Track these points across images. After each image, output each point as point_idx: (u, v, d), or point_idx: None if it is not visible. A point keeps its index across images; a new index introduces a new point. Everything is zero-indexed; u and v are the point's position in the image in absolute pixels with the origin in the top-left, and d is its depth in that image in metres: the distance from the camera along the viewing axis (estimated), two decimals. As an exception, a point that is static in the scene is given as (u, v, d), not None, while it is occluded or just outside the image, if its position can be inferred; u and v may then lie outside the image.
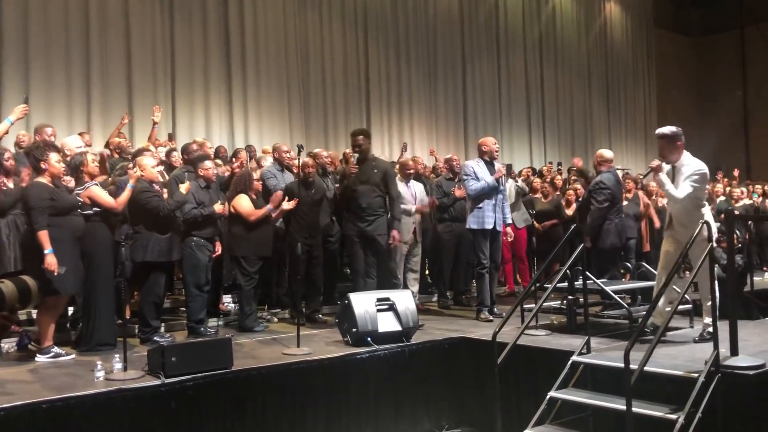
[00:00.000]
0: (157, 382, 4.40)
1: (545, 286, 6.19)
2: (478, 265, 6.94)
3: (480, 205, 6.84)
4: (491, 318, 6.77)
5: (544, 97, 17.41)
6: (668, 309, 5.06)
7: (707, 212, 5.21)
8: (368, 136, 7.13)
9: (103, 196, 5.58)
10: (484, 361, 5.30)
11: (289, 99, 12.77)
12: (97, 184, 5.64)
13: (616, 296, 5.88)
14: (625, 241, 8.44)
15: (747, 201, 11.33)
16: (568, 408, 4.76)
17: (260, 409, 4.77)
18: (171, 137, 10.19)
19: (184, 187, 6.06)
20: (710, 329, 4.78)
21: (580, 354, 4.96)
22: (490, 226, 6.84)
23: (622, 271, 7.70)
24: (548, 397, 4.73)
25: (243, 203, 6.44)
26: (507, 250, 8.80)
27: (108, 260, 5.64)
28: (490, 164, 6.95)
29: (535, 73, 17.25)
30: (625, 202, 8.86)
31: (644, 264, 7.27)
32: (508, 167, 8.73)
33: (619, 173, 11.28)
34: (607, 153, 7.08)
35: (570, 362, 4.88)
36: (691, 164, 5.29)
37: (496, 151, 7.10)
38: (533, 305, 5.68)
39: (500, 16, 16.55)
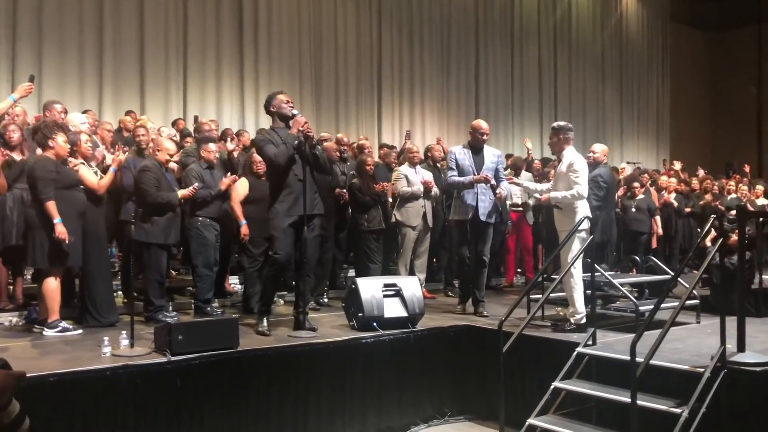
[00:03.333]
0: (164, 359, 4.42)
1: (552, 277, 6.19)
2: (459, 256, 6.58)
3: (460, 193, 6.43)
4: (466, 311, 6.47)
5: (557, 89, 17.31)
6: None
7: (582, 204, 5.54)
8: None
9: (89, 177, 5.62)
10: (489, 349, 5.30)
11: (300, 82, 12.75)
12: (83, 164, 5.66)
13: (623, 289, 5.86)
14: (627, 234, 8.45)
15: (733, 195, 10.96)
16: (572, 399, 4.76)
17: (265, 390, 4.79)
18: (196, 119, 10.16)
19: (186, 191, 6.01)
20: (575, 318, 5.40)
21: (586, 345, 4.95)
22: (469, 216, 6.34)
23: (630, 264, 7.69)
24: (552, 387, 4.73)
25: (239, 187, 6.50)
26: (511, 241, 8.79)
27: (101, 238, 5.71)
28: (476, 152, 6.47)
29: (549, 64, 17.15)
30: (640, 196, 8.84)
31: (653, 258, 7.23)
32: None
33: (631, 167, 11.25)
34: (605, 147, 7.23)
35: (575, 353, 4.89)
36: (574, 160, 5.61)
37: (483, 138, 6.48)
38: (539, 296, 5.68)
39: (516, 5, 16.45)
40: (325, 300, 7.10)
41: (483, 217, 6.36)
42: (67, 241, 5.14)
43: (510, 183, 6.69)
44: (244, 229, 6.42)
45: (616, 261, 7.93)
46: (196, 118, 10.40)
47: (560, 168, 5.69)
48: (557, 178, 5.72)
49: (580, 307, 5.43)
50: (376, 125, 14.01)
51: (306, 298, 5.53)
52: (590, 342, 4.99)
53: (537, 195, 5.95)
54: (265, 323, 5.36)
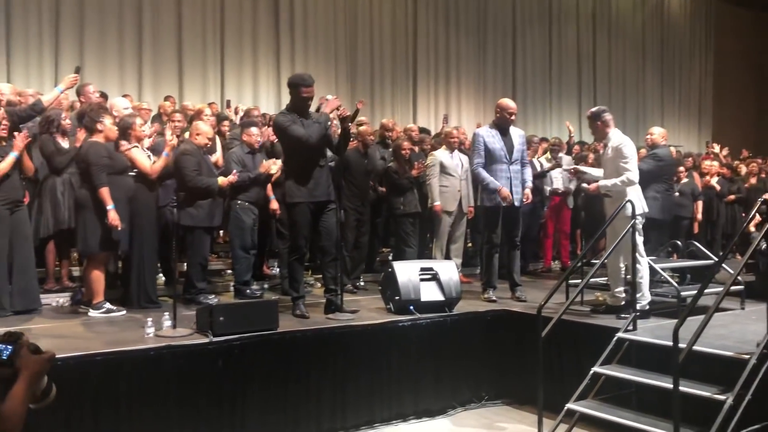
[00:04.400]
0: (205, 340, 4.51)
1: (592, 261, 6.12)
2: (489, 243, 6.41)
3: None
4: (494, 299, 6.27)
5: (596, 70, 16.96)
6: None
7: (634, 191, 5.31)
8: None
9: (142, 160, 5.70)
10: (527, 334, 5.28)
11: (336, 66, 12.77)
12: (137, 147, 5.75)
13: (664, 274, 5.76)
14: (672, 218, 8.27)
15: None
16: (611, 384, 4.72)
17: (304, 371, 4.86)
18: (229, 104, 10.29)
19: (226, 179, 6.05)
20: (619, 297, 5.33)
21: (626, 331, 4.90)
22: (503, 203, 6.21)
23: (669, 249, 7.56)
24: (592, 372, 4.70)
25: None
26: (550, 225, 8.70)
27: (151, 221, 5.79)
28: (504, 133, 6.29)
29: (588, 44, 16.80)
30: (684, 180, 8.66)
31: (695, 243, 7.09)
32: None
33: (673, 150, 11.02)
34: (663, 130, 7.05)
35: (615, 338, 4.84)
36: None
37: (512, 119, 6.29)
38: (578, 281, 5.62)
39: (553, -16, 16.14)
40: (362, 283, 7.14)
41: (517, 203, 6.25)
42: (119, 228, 5.27)
43: (574, 173, 6.37)
44: (274, 204, 6.43)
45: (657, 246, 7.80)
46: (228, 102, 10.52)
47: (606, 153, 5.50)
48: (605, 164, 5.56)
49: (646, 293, 5.33)
50: (411, 109, 13.95)
51: (337, 280, 5.57)
52: (630, 327, 4.93)
53: (585, 184, 5.73)
54: (302, 306, 5.42)
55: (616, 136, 5.44)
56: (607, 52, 17.19)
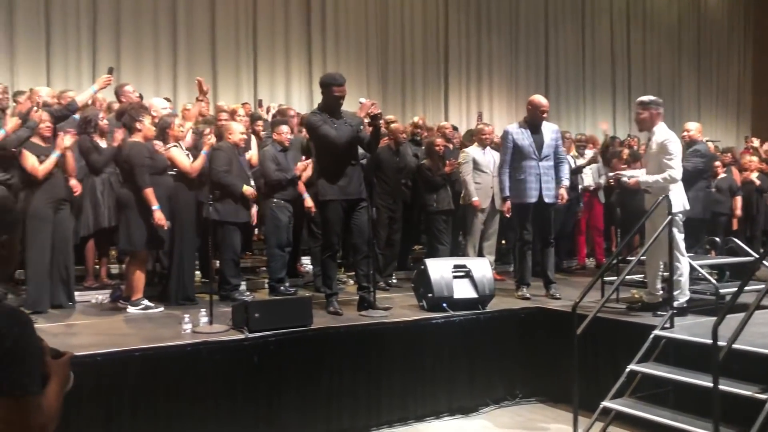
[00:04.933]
0: (241, 336, 4.57)
1: (628, 258, 6.04)
2: (520, 241, 6.36)
3: (520, 176, 6.17)
4: (528, 296, 6.21)
5: (631, 65, 16.66)
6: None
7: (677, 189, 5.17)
8: None
9: (181, 159, 5.78)
10: (562, 331, 5.23)
11: (367, 65, 12.80)
12: (176, 146, 5.84)
13: (702, 271, 5.66)
14: (711, 215, 8.11)
15: None
16: (648, 382, 4.66)
17: (337, 368, 4.89)
18: (261, 104, 10.41)
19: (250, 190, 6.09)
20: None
21: (663, 328, 4.82)
22: (533, 200, 6.14)
23: (707, 246, 7.42)
24: (628, 370, 4.64)
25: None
26: (583, 221, 8.61)
27: (191, 220, 5.87)
28: (535, 130, 6.21)
29: (622, 38, 16.52)
30: (722, 175, 8.49)
31: (735, 240, 6.95)
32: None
33: (711, 145, 10.80)
34: (699, 125, 6.89)
35: (652, 336, 4.76)
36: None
37: (543, 116, 6.23)
38: (613, 278, 5.56)
39: (587, -21, 15.93)
40: (394, 281, 7.15)
41: (548, 200, 6.18)
42: (165, 227, 5.37)
43: (616, 180, 6.20)
44: (309, 202, 6.47)
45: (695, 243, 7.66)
46: (260, 102, 10.63)
47: (651, 147, 5.33)
48: (648, 159, 5.42)
49: (686, 291, 5.24)
50: (443, 107, 13.91)
51: (369, 277, 5.59)
52: (668, 325, 4.85)
53: (626, 179, 5.57)
54: (335, 303, 5.46)
55: (662, 131, 5.27)
56: (641, 47, 16.89)
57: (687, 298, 5.28)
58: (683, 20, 17.78)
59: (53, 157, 5.34)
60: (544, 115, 6.29)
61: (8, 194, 4.85)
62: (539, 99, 6.36)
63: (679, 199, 5.16)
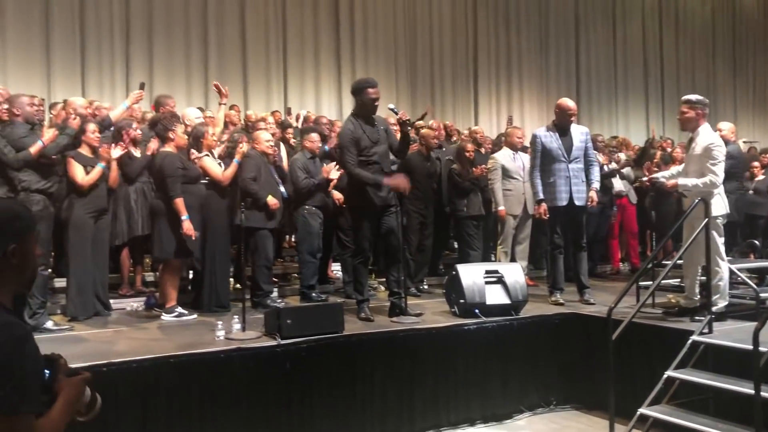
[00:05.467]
0: (274, 343, 4.59)
1: (663, 263, 5.93)
2: (551, 245, 6.31)
3: (550, 179, 6.12)
4: (562, 302, 6.12)
5: (664, 66, 16.43)
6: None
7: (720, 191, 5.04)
8: None
9: (213, 168, 5.84)
10: (596, 337, 5.16)
11: (396, 71, 12.83)
12: (208, 155, 5.90)
13: (741, 275, 5.53)
14: (744, 218, 7.91)
15: None
16: (686, 389, 4.56)
17: (369, 374, 4.88)
18: (290, 112, 10.52)
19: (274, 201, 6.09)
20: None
21: (701, 334, 4.71)
22: (563, 203, 6.07)
23: (746, 249, 7.26)
24: (665, 376, 4.54)
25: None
26: (616, 225, 8.48)
27: (223, 227, 5.92)
28: (563, 133, 6.15)
29: (654, 39, 16.31)
30: (760, 176, 8.30)
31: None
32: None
33: (743, 146, 10.56)
34: (732, 125, 6.73)
35: (690, 342, 4.66)
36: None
37: (571, 120, 6.19)
38: (648, 283, 5.46)
39: (616, -21, 15.77)
40: (425, 287, 7.13)
41: (579, 202, 6.13)
42: (193, 238, 5.43)
43: (650, 184, 6.23)
44: (337, 194, 6.48)
45: (733, 246, 7.51)
46: (289, 110, 10.72)
47: (693, 149, 5.17)
48: (689, 160, 5.24)
49: (725, 295, 5.12)
50: (472, 111, 13.88)
51: (401, 283, 5.57)
52: (706, 330, 4.74)
53: (663, 181, 5.49)
54: (366, 309, 5.45)
55: (707, 133, 5.12)
56: (674, 47, 16.65)
57: (726, 303, 5.16)
58: (717, 19, 17.48)
59: (98, 169, 5.45)
60: (572, 118, 6.26)
61: (17, 200, 4.71)
62: (566, 102, 6.34)
63: (721, 203, 5.04)
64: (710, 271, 4.88)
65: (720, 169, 5.01)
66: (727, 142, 6.53)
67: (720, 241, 5.03)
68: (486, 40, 13.93)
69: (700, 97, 5.26)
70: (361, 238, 5.51)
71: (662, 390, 4.55)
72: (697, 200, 4.95)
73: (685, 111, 5.19)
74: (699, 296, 5.25)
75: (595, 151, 7.22)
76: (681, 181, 5.17)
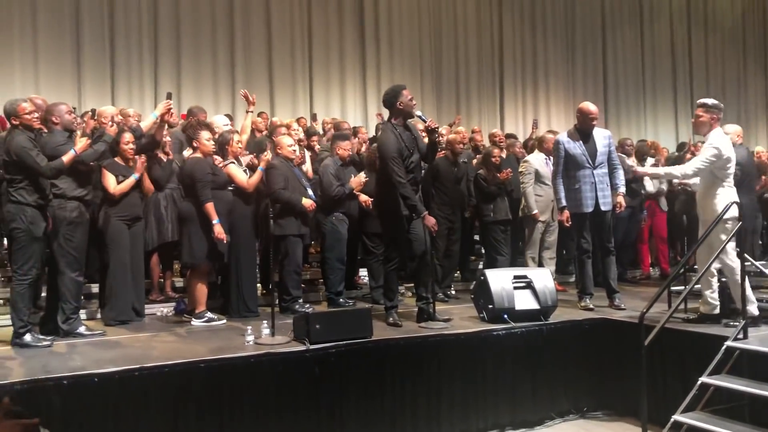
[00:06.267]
0: (303, 348, 4.60)
1: (695, 268, 5.83)
2: (579, 250, 6.24)
3: (575, 186, 6.04)
4: (592, 307, 6.05)
5: (693, 68, 16.17)
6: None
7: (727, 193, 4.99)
8: None
9: (239, 175, 5.89)
10: (627, 343, 5.09)
11: (421, 76, 12.84)
12: (234, 163, 5.95)
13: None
14: (755, 226, 7.69)
15: None
16: (720, 395, 4.48)
17: (398, 380, 4.87)
18: (315, 118, 10.58)
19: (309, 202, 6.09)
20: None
21: (736, 339, 4.63)
22: (589, 209, 6.01)
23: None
24: (699, 382, 4.47)
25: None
26: (645, 230, 8.37)
27: (249, 233, 5.97)
28: (585, 138, 6.06)
29: (683, 41, 16.06)
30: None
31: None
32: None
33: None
34: (739, 128, 6.54)
35: (724, 347, 4.58)
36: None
37: (593, 124, 6.10)
38: (680, 288, 5.38)
39: (644, -19, 15.59)
40: (453, 292, 7.10)
41: (605, 208, 6.05)
42: (225, 241, 5.48)
43: (635, 173, 6.17)
44: (363, 196, 6.48)
45: (764, 251, 7.36)
46: (314, 116, 10.77)
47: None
48: None
49: (751, 297, 5.02)
50: (498, 115, 13.82)
51: (429, 288, 5.55)
52: (741, 336, 4.66)
53: (675, 177, 5.50)
54: (395, 314, 5.44)
55: (716, 137, 5.10)
56: (703, 48, 16.39)
57: (755, 306, 5.06)
58: (747, 19, 17.16)
59: (131, 179, 5.54)
60: (594, 122, 6.17)
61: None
62: (588, 106, 6.25)
63: (729, 200, 5.00)
64: (743, 276, 4.79)
65: (696, 166, 5.07)
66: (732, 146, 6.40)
67: (730, 245, 4.95)
68: (512, 43, 13.87)
69: (716, 102, 5.23)
70: (392, 245, 5.50)
71: (696, 396, 4.48)
72: (729, 203, 4.89)
73: (700, 115, 5.18)
74: (714, 302, 5.17)
75: (623, 155, 7.14)
76: (650, 169, 5.19)
